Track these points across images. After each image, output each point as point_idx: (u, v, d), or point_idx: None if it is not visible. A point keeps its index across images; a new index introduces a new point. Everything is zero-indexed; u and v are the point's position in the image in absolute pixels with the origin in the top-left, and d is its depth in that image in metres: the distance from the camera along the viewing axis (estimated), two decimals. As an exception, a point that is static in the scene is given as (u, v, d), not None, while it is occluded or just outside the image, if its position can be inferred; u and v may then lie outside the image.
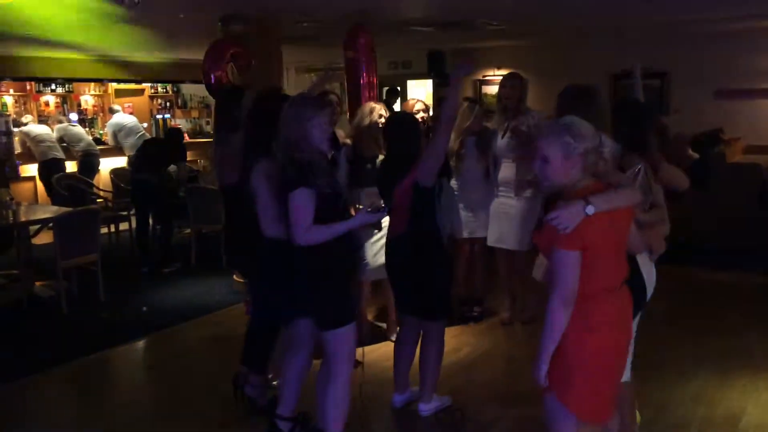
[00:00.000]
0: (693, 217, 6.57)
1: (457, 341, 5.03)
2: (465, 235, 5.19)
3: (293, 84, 10.60)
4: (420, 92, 10.85)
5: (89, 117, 12.03)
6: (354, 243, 3.27)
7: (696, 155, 7.73)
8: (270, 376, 4.10)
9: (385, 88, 10.29)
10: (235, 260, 4.06)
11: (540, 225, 2.55)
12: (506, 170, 5.03)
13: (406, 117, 4.22)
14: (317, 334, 3.22)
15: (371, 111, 4.60)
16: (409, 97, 6.60)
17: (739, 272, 6.67)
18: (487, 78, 10.50)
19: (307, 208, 2.96)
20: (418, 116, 4.69)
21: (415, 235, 3.57)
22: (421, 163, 3.46)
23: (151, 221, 7.60)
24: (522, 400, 4.04)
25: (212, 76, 5.22)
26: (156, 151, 7.45)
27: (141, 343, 5.33)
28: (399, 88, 10.84)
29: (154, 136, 11.27)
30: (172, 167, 7.77)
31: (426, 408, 3.89)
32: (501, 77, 10.28)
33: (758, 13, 7.00)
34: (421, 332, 3.85)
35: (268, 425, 3.60)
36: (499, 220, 5.08)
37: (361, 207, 3.00)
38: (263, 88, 4.07)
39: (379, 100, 7.47)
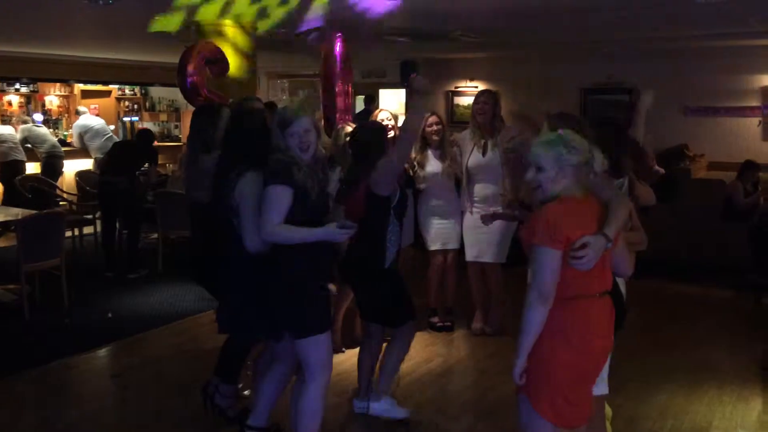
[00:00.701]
0: (660, 231, 6.68)
1: (428, 352, 5.02)
2: (438, 246, 5.21)
3: (265, 89, 10.54)
4: (393, 102, 10.88)
5: (54, 118, 11.79)
6: (332, 251, 3.25)
7: (662, 170, 7.91)
8: (240, 386, 4.03)
9: (362, 96, 10.24)
10: (203, 279, 4.00)
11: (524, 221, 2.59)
12: (483, 188, 5.05)
13: (367, 125, 4.23)
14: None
15: (338, 132, 4.61)
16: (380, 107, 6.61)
17: (704, 286, 6.79)
18: (459, 89, 10.58)
19: (279, 204, 2.93)
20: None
21: (367, 242, 3.58)
22: (375, 172, 3.50)
23: (117, 225, 7.44)
24: (495, 412, 4.05)
25: (188, 80, 5.15)
26: (125, 154, 7.31)
27: (106, 351, 5.19)
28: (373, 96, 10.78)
29: (121, 138, 11.09)
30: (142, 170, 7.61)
31: (375, 407, 3.87)
32: (473, 88, 10.47)
33: (726, 32, 7.19)
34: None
35: (238, 436, 3.55)
36: (477, 235, 5.09)
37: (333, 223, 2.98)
38: (245, 101, 3.99)
39: (353, 108, 7.45)
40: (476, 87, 10.34)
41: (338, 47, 6.20)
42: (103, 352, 5.17)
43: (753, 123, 8.69)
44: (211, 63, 5.24)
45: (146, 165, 7.44)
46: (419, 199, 5.16)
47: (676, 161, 8.29)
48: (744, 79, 8.70)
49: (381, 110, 5.08)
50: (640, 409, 4.08)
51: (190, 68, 5.13)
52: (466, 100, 10.44)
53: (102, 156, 9.04)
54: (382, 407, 3.88)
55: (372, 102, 10.17)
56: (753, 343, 5.20)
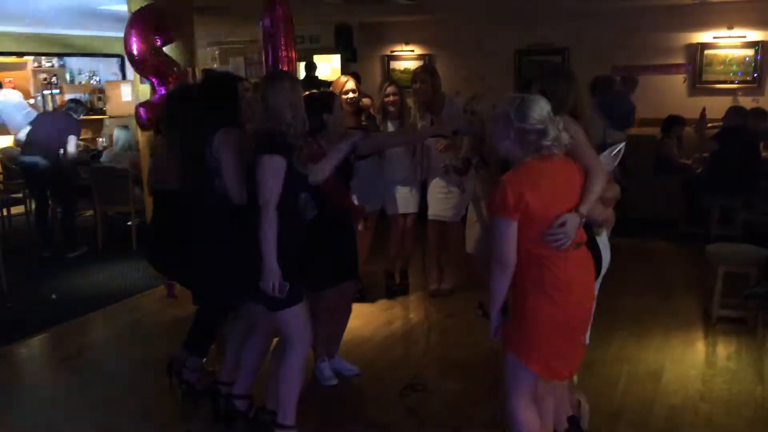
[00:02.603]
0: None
1: (388, 315, 5.07)
2: (398, 211, 5.25)
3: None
4: (326, 67, 10.73)
5: (-36, 94, 11.03)
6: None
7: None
8: (204, 360, 3.98)
9: (302, 63, 10.01)
10: (165, 263, 3.93)
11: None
12: (436, 160, 5.08)
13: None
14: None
15: None
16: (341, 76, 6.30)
17: (638, 238, 7.06)
18: (395, 53, 10.52)
19: (277, 177, 2.89)
20: (347, 96, 4.69)
21: None
22: None
23: (50, 203, 7.10)
24: (461, 370, 4.15)
25: (136, 49, 4.93)
26: (46, 129, 6.89)
27: (55, 334, 4.98)
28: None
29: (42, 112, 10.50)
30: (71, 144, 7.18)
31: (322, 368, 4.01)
32: (409, 52, 10.41)
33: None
34: None
35: (213, 409, 3.53)
36: (437, 194, 5.17)
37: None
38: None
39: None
40: (412, 51, 10.33)
41: (279, 10, 6.01)
42: (51, 335, 4.98)
43: (679, 80, 9.03)
44: (158, 31, 5.03)
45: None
46: (380, 167, 5.16)
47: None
48: (669, 37, 9.01)
49: (348, 79, 4.94)
50: (596, 356, 4.22)
51: (139, 36, 4.92)
52: (402, 65, 10.41)
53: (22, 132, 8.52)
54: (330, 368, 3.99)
55: (312, 69, 10.00)
56: (690, 291, 5.48)
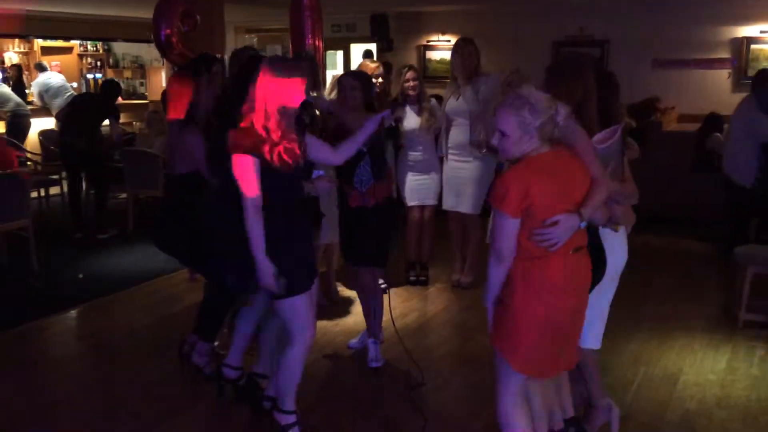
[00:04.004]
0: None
1: (405, 306, 5.04)
2: (415, 202, 5.21)
3: (232, 44, 10.29)
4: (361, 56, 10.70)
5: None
6: (317, 214, 3.22)
7: (633, 123, 7.94)
8: (216, 344, 4.02)
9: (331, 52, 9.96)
10: (176, 247, 3.98)
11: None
12: (459, 134, 5.02)
13: None
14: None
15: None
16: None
17: (673, 237, 6.88)
18: (431, 43, 10.44)
19: (245, 176, 2.83)
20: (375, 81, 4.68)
21: None
22: None
23: (84, 185, 7.27)
24: (471, 364, 4.10)
25: (162, 34, 5.00)
26: (86, 109, 7.03)
27: (78, 312, 5.11)
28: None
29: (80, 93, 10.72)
30: (105, 125, 7.32)
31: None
32: (445, 42, 10.33)
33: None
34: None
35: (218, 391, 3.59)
36: (454, 184, 5.11)
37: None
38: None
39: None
40: (449, 41, 10.21)
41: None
42: (75, 313, 5.10)
43: (722, 75, 8.74)
44: (184, 17, 5.08)
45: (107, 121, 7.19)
46: (398, 153, 5.13)
47: (647, 114, 8.32)
48: (714, 31, 8.71)
49: (379, 65, 4.96)
50: (614, 358, 4.14)
51: (165, 21, 4.98)
52: (438, 55, 10.33)
53: (62, 111, 8.70)
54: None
55: (370, 57, 10.00)
56: (721, 294, 5.30)
